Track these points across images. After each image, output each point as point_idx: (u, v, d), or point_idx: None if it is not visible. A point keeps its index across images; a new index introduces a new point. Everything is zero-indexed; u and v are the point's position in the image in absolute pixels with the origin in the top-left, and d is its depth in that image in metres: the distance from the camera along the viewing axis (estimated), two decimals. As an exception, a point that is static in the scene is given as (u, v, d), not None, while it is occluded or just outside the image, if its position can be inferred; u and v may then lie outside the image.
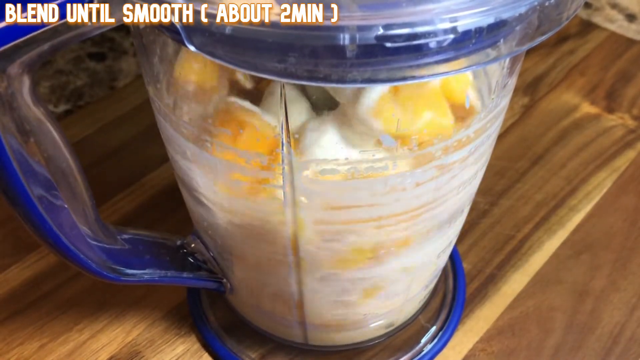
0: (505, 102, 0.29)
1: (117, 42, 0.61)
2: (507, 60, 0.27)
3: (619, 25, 0.64)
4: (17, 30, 0.20)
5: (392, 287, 0.33)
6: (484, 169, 0.32)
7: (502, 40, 0.21)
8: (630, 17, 0.64)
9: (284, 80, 0.21)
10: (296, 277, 0.31)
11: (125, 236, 0.32)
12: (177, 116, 0.28)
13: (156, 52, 0.28)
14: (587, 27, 0.64)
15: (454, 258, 0.44)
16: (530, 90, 0.57)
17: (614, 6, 0.65)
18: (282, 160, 0.26)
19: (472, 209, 0.47)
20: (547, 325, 0.41)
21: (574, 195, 0.48)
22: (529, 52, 0.60)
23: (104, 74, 0.59)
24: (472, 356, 0.39)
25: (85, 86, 0.58)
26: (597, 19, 0.64)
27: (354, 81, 0.20)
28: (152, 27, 0.22)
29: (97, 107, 0.56)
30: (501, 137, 0.53)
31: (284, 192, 0.27)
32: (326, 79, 0.20)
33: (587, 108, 0.55)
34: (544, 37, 0.22)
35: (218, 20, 0.19)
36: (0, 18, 0.19)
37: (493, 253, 0.45)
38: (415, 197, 0.28)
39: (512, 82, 0.29)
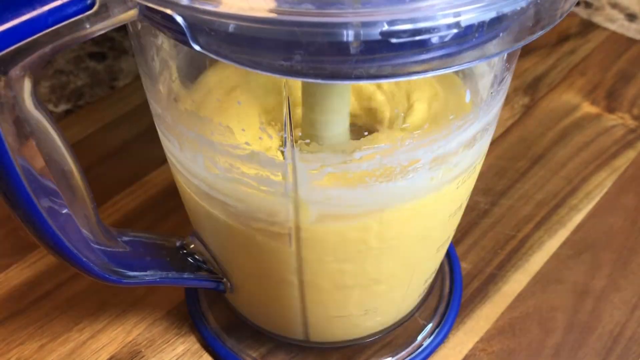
0: (502, 96, 0.29)
1: (117, 41, 0.61)
2: (505, 55, 0.27)
3: (619, 25, 0.64)
4: (18, 33, 0.20)
5: (393, 281, 0.34)
6: (481, 163, 0.32)
7: (502, 34, 0.21)
8: (631, 17, 0.64)
9: (290, 78, 0.21)
10: (297, 272, 0.31)
11: (126, 238, 0.32)
12: (174, 117, 0.28)
13: (153, 52, 0.28)
14: (587, 26, 0.64)
15: (451, 256, 0.44)
16: (530, 90, 0.57)
17: (615, 6, 0.65)
18: (285, 158, 0.26)
19: (472, 209, 0.47)
20: (547, 325, 0.41)
21: (575, 195, 0.48)
22: (529, 52, 0.61)
23: (104, 73, 0.59)
24: (473, 356, 0.39)
25: (86, 86, 0.58)
26: (597, 19, 0.64)
27: (359, 77, 0.20)
28: (152, 28, 0.22)
29: (97, 107, 0.56)
30: (501, 137, 0.53)
31: (286, 189, 0.27)
32: (332, 76, 0.20)
33: (587, 108, 0.55)
34: (543, 31, 0.22)
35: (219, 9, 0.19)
36: (1, 21, 0.19)
37: (493, 253, 0.45)
38: (416, 190, 0.28)
39: (509, 76, 0.29)
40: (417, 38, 0.19)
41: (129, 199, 0.49)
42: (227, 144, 0.26)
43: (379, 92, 0.31)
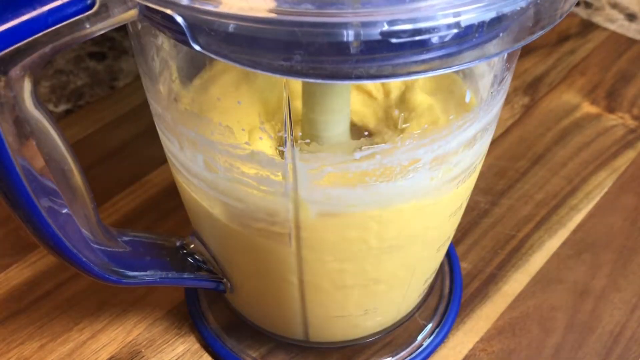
0: (502, 96, 0.29)
1: (117, 41, 0.61)
2: (505, 55, 0.27)
3: (619, 24, 0.64)
4: (18, 33, 0.20)
5: (393, 281, 0.34)
6: (481, 163, 0.32)
7: (502, 34, 0.21)
8: (631, 17, 0.64)
9: (290, 78, 0.21)
10: (297, 272, 0.31)
11: (126, 238, 0.32)
12: (174, 117, 0.28)
13: (153, 52, 0.28)
14: (587, 26, 0.64)
15: (451, 256, 0.44)
16: (530, 90, 0.57)
17: (614, 6, 0.65)
18: (285, 158, 0.26)
19: (472, 209, 0.47)
20: (547, 325, 0.41)
21: (575, 194, 0.48)
22: (529, 52, 0.61)
23: (104, 73, 0.59)
24: (473, 356, 0.39)
25: (86, 86, 0.58)
26: (597, 19, 0.64)
27: (359, 77, 0.20)
28: (152, 28, 0.22)
29: (97, 107, 0.56)
30: (501, 137, 0.53)
31: (286, 189, 0.27)
32: (332, 76, 0.20)
33: (587, 108, 0.55)
34: (543, 31, 0.22)
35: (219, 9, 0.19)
36: (1, 21, 0.19)
37: (494, 253, 0.45)
38: (416, 190, 0.28)
39: (509, 76, 0.29)
40: (417, 38, 0.19)
41: (129, 199, 0.49)
42: (227, 144, 0.26)
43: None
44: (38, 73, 0.22)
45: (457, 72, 0.30)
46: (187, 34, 0.20)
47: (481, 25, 0.20)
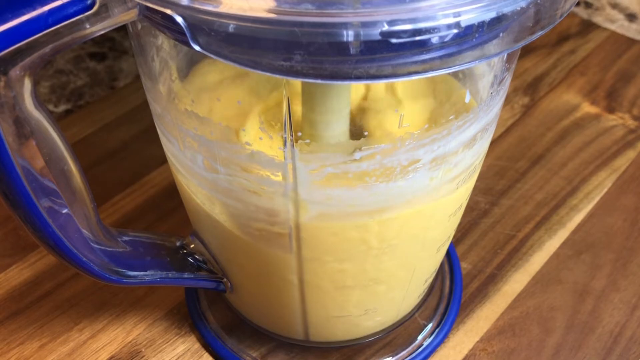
0: (502, 96, 0.29)
1: (117, 41, 0.61)
2: (505, 55, 0.27)
3: (619, 25, 0.64)
4: (18, 33, 0.20)
5: (393, 281, 0.34)
6: (481, 163, 0.32)
7: (502, 34, 0.21)
8: (631, 17, 0.64)
9: (290, 78, 0.21)
10: (297, 272, 0.31)
11: (126, 238, 0.32)
12: (174, 117, 0.28)
13: (153, 52, 0.28)
14: (587, 26, 0.64)
15: (451, 256, 0.44)
16: (530, 90, 0.57)
17: (615, 6, 0.65)
18: (285, 158, 0.26)
19: (472, 209, 0.47)
20: (547, 325, 0.41)
21: (575, 195, 0.48)
22: (529, 52, 0.61)
23: (104, 73, 0.59)
24: (473, 356, 0.39)
25: (86, 86, 0.58)
26: (597, 19, 0.64)
27: (359, 77, 0.20)
28: (152, 28, 0.22)
29: (97, 107, 0.56)
30: (501, 137, 0.53)
31: (286, 189, 0.27)
32: (332, 76, 0.20)
33: (587, 108, 0.55)
34: (543, 31, 0.22)
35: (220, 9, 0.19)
36: (1, 21, 0.19)
37: (493, 253, 0.45)
38: (416, 190, 0.28)
39: (509, 76, 0.29)
40: (417, 38, 0.19)
41: (128, 199, 0.49)
42: (227, 144, 0.26)
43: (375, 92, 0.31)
44: (38, 73, 0.22)
45: (456, 72, 0.30)
46: (187, 34, 0.20)
47: (481, 25, 0.20)
